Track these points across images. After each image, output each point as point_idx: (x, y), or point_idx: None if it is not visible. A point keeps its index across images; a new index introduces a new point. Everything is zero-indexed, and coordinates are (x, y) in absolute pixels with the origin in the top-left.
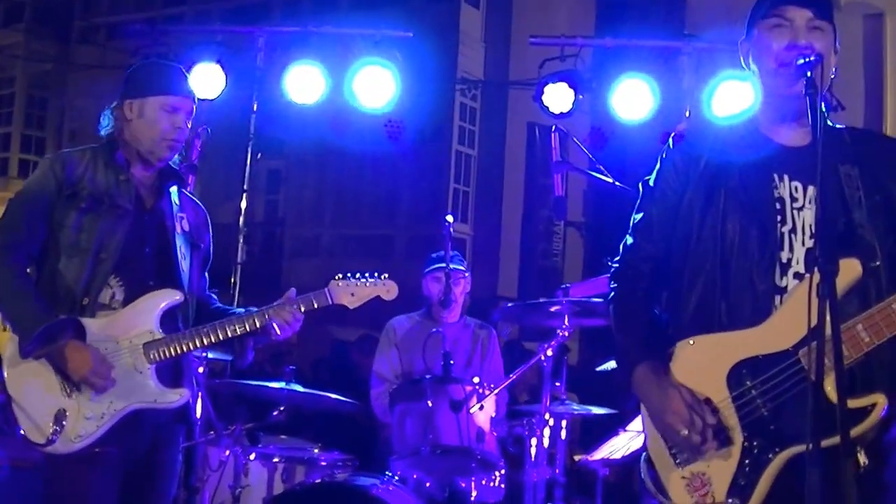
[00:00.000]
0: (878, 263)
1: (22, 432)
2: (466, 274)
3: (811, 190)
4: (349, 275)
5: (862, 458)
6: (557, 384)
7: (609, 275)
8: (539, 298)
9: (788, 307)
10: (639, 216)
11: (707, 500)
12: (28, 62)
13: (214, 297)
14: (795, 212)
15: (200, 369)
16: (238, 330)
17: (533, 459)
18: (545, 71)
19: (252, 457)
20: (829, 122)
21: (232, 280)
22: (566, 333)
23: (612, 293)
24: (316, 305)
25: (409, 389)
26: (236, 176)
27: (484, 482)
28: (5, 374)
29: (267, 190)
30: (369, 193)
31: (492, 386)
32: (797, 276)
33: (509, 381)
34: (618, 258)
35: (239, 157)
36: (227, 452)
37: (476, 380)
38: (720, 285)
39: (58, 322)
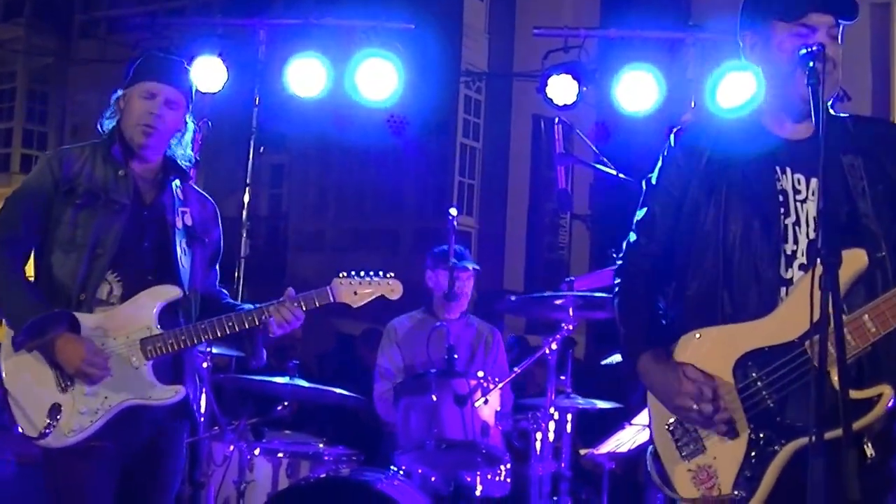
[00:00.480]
0: (883, 254)
1: (19, 428)
2: (472, 269)
3: (814, 182)
4: (353, 273)
5: (869, 450)
6: (562, 378)
7: (614, 271)
8: (545, 292)
9: (794, 298)
10: (641, 213)
11: (713, 493)
12: (29, 57)
13: (225, 292)
14: (799, 204)
15: (205, 364)
16: (236, 327)
17: (538, 453)
18: (549, 63)
19: (257, 452)
20: (832, 112)
21: (236, 274)
22: (570, 327)
23: (617, 289)
24: (318, 303)
25: (414, 383)
26: (239, 170)
27: (489, 476)
28: (3, 368)
29: (270, 184)
30: (373, 187)
31: (496, 380)
32: (802, 267)
33: (514, 374)
34: (621, 255)
35: (241, 151)
36: (232, 448)
37: (480, 374)
38: (724, 278)
39: (50, 315)
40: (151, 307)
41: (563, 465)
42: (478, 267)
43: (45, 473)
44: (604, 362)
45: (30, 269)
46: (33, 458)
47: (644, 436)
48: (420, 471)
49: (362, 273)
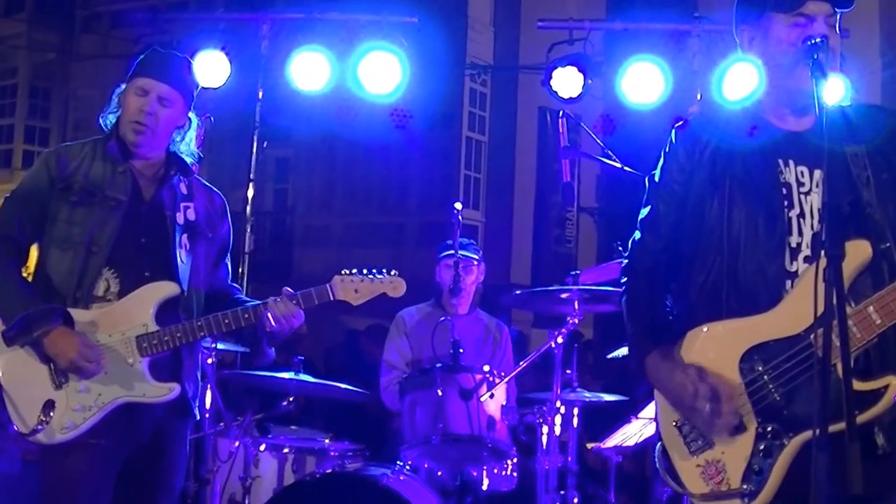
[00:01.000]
0: (888, 244)
1: (14, 425)
2: (477, 262)
3: (818, 174)
4: (355, 270)
5: (880, 440)
6: (568, 372)
7: (620, 270)
8: (552, 285)
9: (799, 291)
10: (646, 211)
11: (722, 488)
12: (31, 52)
13: (237, 288)
14: (802, 196)
15: (210, 360)
16: (232, 324)
17: (545, 447)
18: (554, 55)
19: (262, 448)
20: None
21: (240, 270)
22: (576, 320)
23: (624, 288)
24: (317, 301)
25: (419, 378)
26: (243, 165)
27: (496, 471)
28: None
29: (276, 178)
30: (379, 181)
31: (502, 374)
32: (807, 260)
33: (519, 368)
34: (627, 254)
35: (245, 145)
36: (237, 443)
37: (486, 368)
38: (729, 272)
39: (42, 309)
40: (148, 304)
41: (569, 459)
42: (476, 257)
43: (40, 470)
44: (610, 356)
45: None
46: (38, 455)
47: (651, 429)
48: (426, 465)
49: (364, 271)
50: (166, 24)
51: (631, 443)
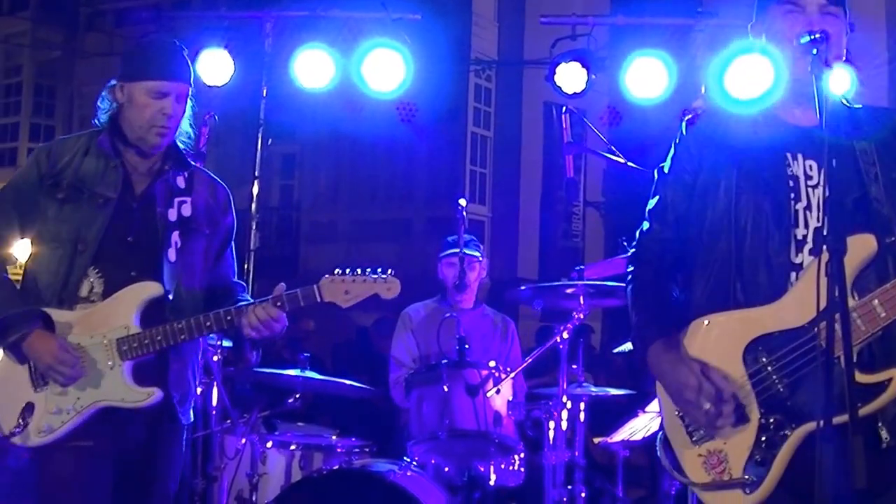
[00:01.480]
0: (894, 238)
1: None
2: (481, 259)
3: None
4: (348, 270)
5: (884, 434)
6: (574, 367)
7: (627, 259)
8: (559, 280)
9: (803, 283)
10: (654, 200)
11: (724, 478)
12: (35, 51)
13: (243, 285)
14: (810, 189)
15: (216, 358)
16: (214, 327)
17: (551, 442)
18: (558, 51)
19: (269, 444)
20: (845, 102)
21: (246, 267)
22: (582, 315)
23: (630, 277)
24: (302, 303)
25: (426, 374)
26: (248, 162)
27: (503, 466)
28: None
29: (282, 175)
30: (385, 177)
31: (508, 369)
32: (812, 252)
33: (525, 364)
34: (634, 243)
35: (250, 143)
36: (244, 441)
37: (492, 364)
38: (735, 263)
39: (21, 312)
40: (131, 305)
41: (576, 453)
42: (479, 254)
43: (30, 470)
44: (616, 350)
45: None
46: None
47: (658, 423)
48: (433, 461)
49: (358, 270)
50: (170, 21)
51: (638, 437)
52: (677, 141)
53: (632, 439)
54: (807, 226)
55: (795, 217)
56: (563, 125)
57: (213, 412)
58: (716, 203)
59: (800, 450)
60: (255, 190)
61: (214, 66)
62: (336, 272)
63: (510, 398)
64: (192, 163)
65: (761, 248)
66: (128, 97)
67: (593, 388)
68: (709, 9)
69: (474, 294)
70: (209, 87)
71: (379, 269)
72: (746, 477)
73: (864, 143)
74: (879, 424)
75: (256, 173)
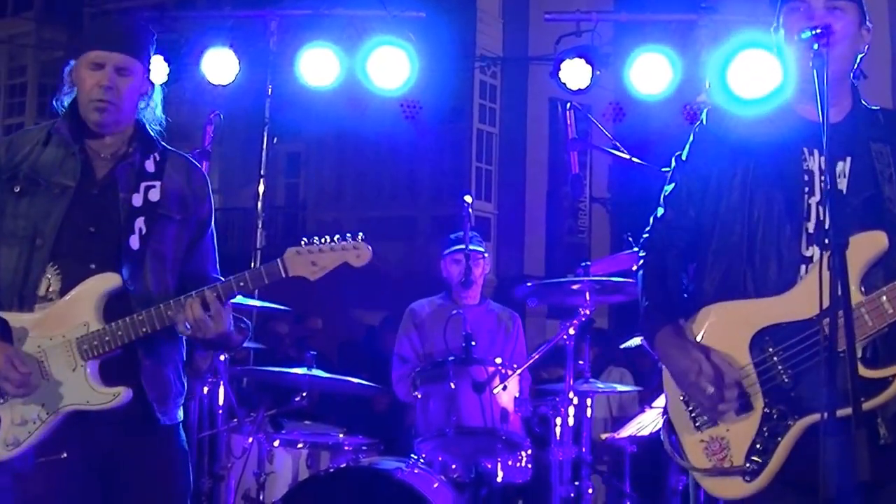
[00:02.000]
0: None
1: None
2: (486, 255)
3: (841, 164)
4: (311, 240)
5: (882, 431)
6: (580, 362)
7: (640, 244)
8: (566, 276)
9: (812, 277)
10: (670, 187)
11: (725, 464)
12: (39, 51)
13: (222, 280)
14: (825, 184)
15: (222, 357)
16: (167, 317)
17: (558, 439)
18: (562, 47)
19: (276, 443)
20: (864, 103)
21: (252, 265)
22: (588, 311)
23: (641, 261)
24: (267, 280)
25: (432, 371)
26: (254, 161)
27: (510, 463)
28: None
29: (287, 173)
30: (391, 175)
31: (514, 366)
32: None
33: (532, 360)
34: (648, 228)
35: (255, 142)
36: (251, 440)
37: (498, 360)
38: (746, 254)
39: None
40: (89, 301)
41: (583, 449)
42: (481, 249)
43: (8, 498)
44: (622, 346)
45: None
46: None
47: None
48: (441, 458)
49: (326, 238)
50: (174, 21)
51: (646, 433)
52: (696, 130)
53: (639, 435)
54: (818, 220)
55: (808, 211)
56: (568, 121)
57: (220, 411)
58: (730, 194)
59: (801, 441)
60: (261, 188)
61: (219, 66)
62: (303, 241)
63: (516, 395)
64: (165, 145)
65: (773, 240)
66: (75, 76)
67: (600, 385)
68: (711, 4)
69: (480, 290)
70: (214, 86)
71: (348, 235)
72: (747, 465)
73: (880, 144)
74: (879, 421)
75: (262, 172)
